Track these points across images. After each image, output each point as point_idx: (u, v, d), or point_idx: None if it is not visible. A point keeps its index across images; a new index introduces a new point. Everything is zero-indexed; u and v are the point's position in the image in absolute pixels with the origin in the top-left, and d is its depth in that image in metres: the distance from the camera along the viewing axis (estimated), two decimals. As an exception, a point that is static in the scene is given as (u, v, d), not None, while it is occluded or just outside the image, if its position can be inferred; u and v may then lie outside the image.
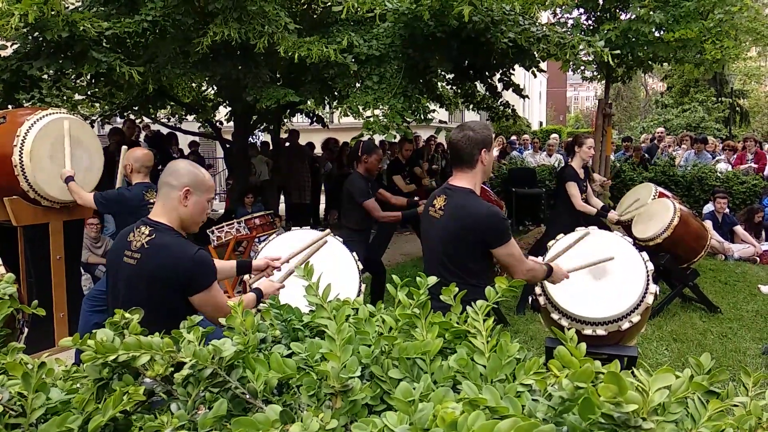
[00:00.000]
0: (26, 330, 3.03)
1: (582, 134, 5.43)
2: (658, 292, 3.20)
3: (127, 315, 1.25)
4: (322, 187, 10.48)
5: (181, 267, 1.99)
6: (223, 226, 5.64)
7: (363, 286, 3.16)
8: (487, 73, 7.80)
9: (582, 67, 6.30)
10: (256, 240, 5.94)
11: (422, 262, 2.65)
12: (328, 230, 2.98)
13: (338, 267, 3.06)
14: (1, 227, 4.15)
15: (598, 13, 7.57)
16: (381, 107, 5.59)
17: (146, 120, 9.63)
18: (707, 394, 0.96)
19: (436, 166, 9.82)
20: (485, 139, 2.37)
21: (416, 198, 5.01)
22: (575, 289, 2.78)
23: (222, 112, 9.35)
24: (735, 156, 9.81)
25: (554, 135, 12.34)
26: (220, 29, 5.05)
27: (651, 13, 6.22)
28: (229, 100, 7.63)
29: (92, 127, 7.00)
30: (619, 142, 11.84)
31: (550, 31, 5.73)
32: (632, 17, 6.70)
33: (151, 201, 3.46)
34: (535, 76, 7.94)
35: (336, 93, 6.84)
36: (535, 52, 6.15)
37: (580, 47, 5.57)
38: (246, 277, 2.79)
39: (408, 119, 5.65)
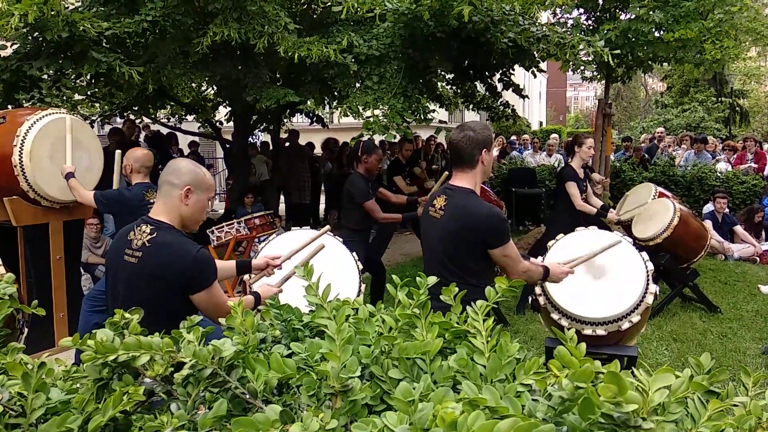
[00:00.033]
0: (26, 330, 3.03)
1: (582, 134, 5.44)
2: (658, 292, 3.20)
3: (126, 315, 1.25)
4: (322, 187, 10.48)
5: (182, 266, 1.99)
6: (222, 226, 5.64)
7: (363, 286, 3.16)
8: (487, 73, 7.80)
9: (582, 67, 6.30)
10: (256, 240, 5.94)
11: (422, 262, 2.65)
12: (327, 226, 2.98)
13: (338, 267, 3.06)
14: (0, 227, 4.15)
15: (598, 13, 7.58)
16: (381, 107, 5.59)
17: (146, 120, 9.63)
18: (707, 394, 0.96)
19: (436, 166, 9.82)
20: (486, 139, 2.38)
21: (417, 198, 5.02)
22: (575, 289, 2.78)
23: (222, 112, 9.35)
24: (735, 156, 9.81)
25: (554, 135, 12.34)
26: (219, 29, 5.05)
27: (651, 12, 6.22)
28: (229, 100, 7.63)
29: (92, 127, 6.99)
30: (618, 142, 11.84)
31: (550, 31, 5.73)
32: (632, 17, 6.71)
33: (151, 201, 3.46)
34: (535, 76, 7.94)
35: (336, 93, 6.84)
36: (535, 52, 6.15)
37: (580, 47, 5.57)
38: (246, 277, 2.79)
39: (408, 119, 5.65)
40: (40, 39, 4.86)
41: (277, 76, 6.92)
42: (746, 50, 12.02)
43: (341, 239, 3.32)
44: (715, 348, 4.39)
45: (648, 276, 2.83)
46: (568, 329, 1.18)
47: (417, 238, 6.25)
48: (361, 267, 3.20)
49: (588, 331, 2.74)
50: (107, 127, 9.04)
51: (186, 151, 10.40)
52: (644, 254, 2.92)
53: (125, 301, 1.99)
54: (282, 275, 2.57)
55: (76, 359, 3.01)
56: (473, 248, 2.33)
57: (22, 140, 3.90)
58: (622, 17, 7.32)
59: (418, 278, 1.33)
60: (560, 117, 41.03)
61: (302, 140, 10.11)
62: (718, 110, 22.42)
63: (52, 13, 4.53)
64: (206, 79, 6.82)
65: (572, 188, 4.76)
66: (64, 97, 5.04)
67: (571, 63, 5.87)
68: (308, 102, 6.96)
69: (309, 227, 3.65)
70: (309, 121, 9.93)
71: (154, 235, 2.02)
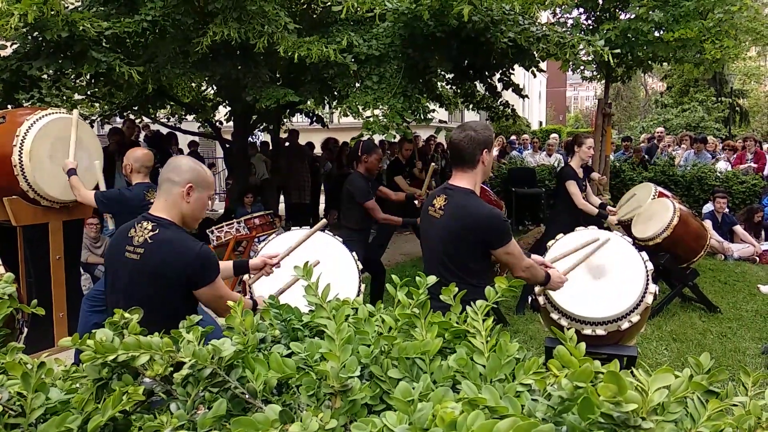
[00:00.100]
0: (26, 330, 3.03)
1: (582, 134, 5.44)
2: (657, 292, 3.20)
3: (126, 315, 1.25)
4: (322, 187, 10.48)
5: (184, 262, 2.00)
6: (222, 226, 5.64)
7: (363, 286, 3.16)
8: (486, 73, 7.80)
9: (582, 67, 6.29)
10: (256, 240, 5.94)
11: (422, 262, 2.65)
12: (324, 220, 2.97)
13: (338, 267, 3.05)
14: (0, 227, 4.15)
15: (598, 13, 7.57)
16: (381, 107, 5.59)
17: (146, 120, 9.63)
18: (707, 394, 0.96)
19: (436, 166, 9.80)
20: (487, 139, 2.38)
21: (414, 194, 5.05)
22: (575, 289, 2.78)
23: (222, 112, 9.35)
24: (735, 156, 9.81)
25: (554, 135, 12.35)
26: (219, 29, 5.05)
27: (650, 12, 6.22)
28: (229, 100, 7.62)
29: (92, 127, 6.99)
30: (618, 142, 11.85)
31: (550, 31, 5.73)
32: (631, 17, 6.70)
33: (152, 201, 3.45)
34: (534, 75, 7.94)
35: (336, 93, 6.84)
36: (534, 52, 6.15)
37: (580, 47, 5.57)
38: (246, 277, 2.79)
39: (408, 119, 5.65)
40: (40, 39, 4.86)
41: (277, 75, 6.91)
42: (746, 50, 12.02)
43: (341, 239, 3.32)
44: (715, 348, 4.39)
45: (647, 276, 2.83)
46: (568, 329, 1.18)
47: (417, 238, 6.25)
48: (360, 267, 3.20)
49: (588, 331, 2.74)
50: (107, 127, 9.04)
51: (186, 151, 10.40)
52: (644, 254, 2.93)
53: (126, 297, 2.00)
54: (279, 287, 2.56)
55: (76, 359, 3.01)
56: (473, 248, 2.33)
57: (21, 140, 3.89)
58: (622, 17, 7.31)
59: (417, 278, 1.33)
60: (560, 117, 41.01)
61: (302, 140, 10.11)
62: (717, 110, 22.42)
63: (52, 12, 4.53)
64: (206, 78, 6.82)
65: (572, 187, 4.76)
66: (64, 97, 5.03)
67: (570, 63, 5.87)
68: (308, 102, 6.95)
69: (309, 227, 3.65)
70: (309, 120, 9.93)
71: (156, 231, 2.03)
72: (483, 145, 2.36)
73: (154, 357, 1.09)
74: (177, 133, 9.60)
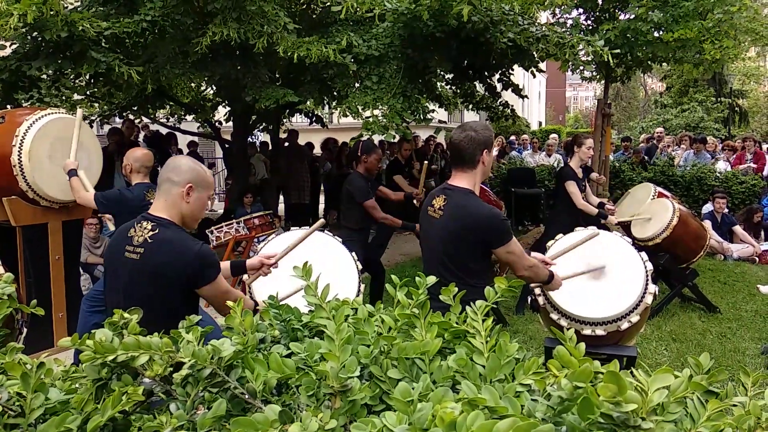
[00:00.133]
0: (25, 330, 3.02)
1: (581, 134, 5.44)
2: (657, 292, 3.20)
3: (125, 315, 1.25)
4: (321, 187, 10.48)
5: (184, 262, 2.00)
6: (222, 226, 5.64)
7: (362, 286, 3.16)
8: (486, 73, 7.81)
9: (581, 67, 6.30)
10: (256, 240, 5.94)
11: (422, 262, 2.65)
12: (321, 220, 2.95)
13: (337, 267, 3.05)
14: (0, 227, 4.14)
15: (597, 13, 7.58)
16: (380, 107, 5.59)
17: (145, 120, 9.63)
18: (706, 394, 0.96)
19: (435, 166, 9.82)
20: (487, 139, 2.38)
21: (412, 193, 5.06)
22: (574, 289, 2.78)
23: (221, 112, 9.35)
24: (734, 156, 9.82)
25: (553, 135, 12.35)
26: (219, 29, 5.05)
27: (650, 12, 6.23)
28: (229, 100, 7.63)
29: (91, 127, 6.99)
30: (618, 142, 11.85)
31: (550, 31, 5.74)
32: (631, 17, 6.71)
33: (152, 201, 3.45)
34: (534, 76, 7.94)
35: (335, 93, 6.85)
36: (534, 52, 6.15)
37: (580, 47, 5.58)
38: (245, 277, 2.79)
39: (407, 119, 5.66)
40: (39, 39, 4.86)
41: (277, 76, 6.92)
42: (745, 50, 12.02)
43: (341, 239, 3.32)
44: (715, 348, 4.39)
45: (647, 276, 2.83)
46: (568, 329, 1.18)
47: (416, 238, 6.24)
48: (360, 267, 3.20)
49: (587, 331, 2.74)
50: (106, 127, 9.03)
51: (185, 151, 10.39)
52: (643, 254, 2.92)
53: (125, 297, 2.00)
54: (282, 294, 2.55)
55: (75, 359, 3.00)
56: (473, 248, 2.33)
57: (21, 140, 3.89)
58: (621, 17, 7.32)
59: (417, 278, 1.33)
60: (559, 117, 41.06)
61: (302, 140, 10.11)
62: (717, 110, 22.45)
63: (51, 13, 4.53)
64: (205, 79, 6.83)
65: (572, 187, 4.76)
66: (63, 97, 5.04)
67: (570, 63, 5.88)
68: (307, 102, 6.96)
69: (308, 227, 3.65)
70: (308, 121, 9.93)
71: (156, 231, 2.03)
72: (483, 146, 2.37)
73: (154, 357, 1.09)
74: (176, 133, 9.60)
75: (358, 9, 5.28)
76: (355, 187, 4.39)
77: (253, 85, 5.92)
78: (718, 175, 8.92)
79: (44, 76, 5.01)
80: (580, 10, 7.66)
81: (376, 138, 5.93)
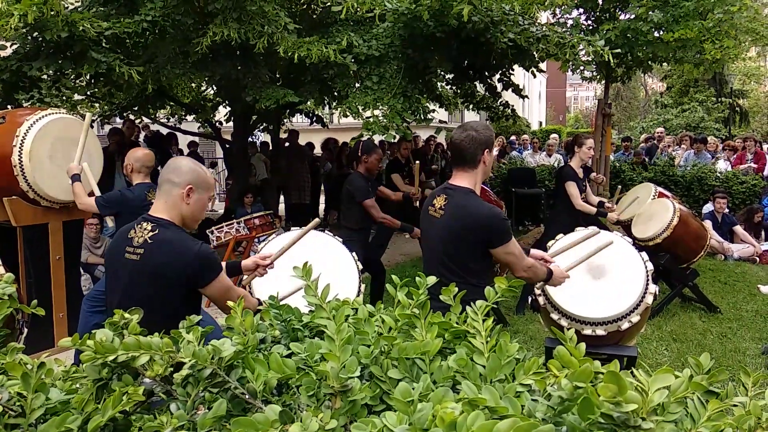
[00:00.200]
0: (26, 330, 3.03)
1: (582, 134, 5.44)
2: (657, 292, 3.20)
3: (126, 315, 1.25)
4: (322, 188, 10.48)
5: (184, 263, 2.00)
6: (222, 227, 5.64)
7: (363, 286, 3.16)
8: (486, 73, 7.81)
9: (581, 67, 6.30)
10: (256, 240, 5.94)
11: (422, 262, 2.65)
12: (316, 219, 2.91)
13: (338, 267, 3.05)
14: (0, 227, 4.14)
15: (598, 13, 7.58)
16: (381, 107, 5.59)
17: (146, 120, 9.63)
18: (707, 394, 0.96)
19: (435, 166, 9.82)
20: (488, 139, 2.39)
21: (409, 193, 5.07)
22: (575, 289, 2.78)
23: (221, 112, 9.35)
24: (735, 156, 9.81)
25: (554, 135, 12.35)
26: (219, 29, 5.05)
27: (650, 12, 6.23)
28: (229, 100, 7.63)
29: (92, 127, 6.99)
30: (618, 142, 11.85)
31: (550, 31, 5.74)
32: (631, 17, 6.71)
33: (153, 201, 3.45)
34: (534, 76, 7.94)
35: (336, 93, 6.84)
36: (534, 52, 6.15)
37: (580, 47, 5.58)
38: (245, 277, 2.79)
39: (408, 119, 5.66)
40: (40, 39, 4.86)
41: (277, 76, 6.92)
42: (746, 50, 12.03)
43: (341, 239, 3.32)
44: (715, 348, 4.39)
45: (647, 276, 2.83)
46: (568, 329, 1.18)
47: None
48: (360, 267, 3.20)
49: (588, 331, 2.74)
50: (107, 127, 9.04)
51: (186, 151, 10.40)
52: (644, 254, 2.93)
53: (126, 298, 2.00)
54: (282, 293, 2.54)
55: (76, 359, 3.01)
56: (474, 248, 2.33)
57: (21, 140, 3.89)
58: (622, 17, 7.32)
59: (417, 278, 1.33)
60: (560, 117, 41.01)
61: (302, 140, 10.12)
62: (717, 110, 22.44)
63: (52, 13, 4.53)
64: (206, 79, 6.83)
65: (572, 188, 4.76)
66: (64, 97, 5.04)
67: (570, 63, 5.88)
68: (308, 102, 6.96)
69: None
70: (309, 121, 9.93)
71: (156, 232, 2.03)
72: (484, 145, 2.37)
73: (154, 357, 1.09)
74: (177, 133, 9.61)
75: (358, 9, 5.28)
76: (355, 187, 4.39)
77: (254, 85, 5.92)
78: (719, 175, 8.92)
79: (45, 77, 5.01)
80: (581, 10, 7.66)
81: (377, 138, 5.93)
